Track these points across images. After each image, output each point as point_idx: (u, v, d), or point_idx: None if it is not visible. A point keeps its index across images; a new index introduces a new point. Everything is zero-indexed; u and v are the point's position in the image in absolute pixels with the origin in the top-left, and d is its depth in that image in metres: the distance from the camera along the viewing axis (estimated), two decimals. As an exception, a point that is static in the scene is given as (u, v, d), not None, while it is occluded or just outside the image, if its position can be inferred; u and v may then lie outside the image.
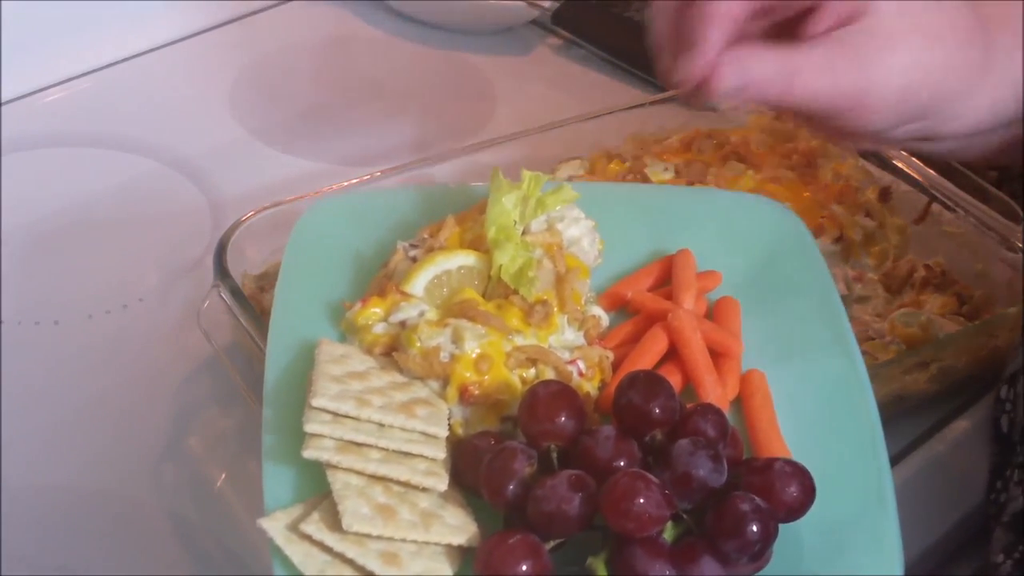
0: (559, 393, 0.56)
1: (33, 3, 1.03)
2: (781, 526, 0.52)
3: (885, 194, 0.89)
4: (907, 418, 0.75)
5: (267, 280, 0.80)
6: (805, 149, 0.92)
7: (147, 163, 1.01)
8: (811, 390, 0.61)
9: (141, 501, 0.74)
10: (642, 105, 0.90)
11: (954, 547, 0.74)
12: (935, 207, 0.87)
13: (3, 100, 1.05)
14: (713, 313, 0.66)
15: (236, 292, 0.74)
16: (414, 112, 1.11)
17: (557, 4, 1.16)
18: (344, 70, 1.16)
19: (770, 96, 0.65)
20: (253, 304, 0.75)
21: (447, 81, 1.15)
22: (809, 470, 0.54)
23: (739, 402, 0.62)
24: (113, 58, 1.12)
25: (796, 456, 0.57)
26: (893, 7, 0.65)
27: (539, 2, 1.17)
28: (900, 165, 0.90)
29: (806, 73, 0.64)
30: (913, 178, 0.89)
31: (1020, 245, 0.83)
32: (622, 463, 0.53)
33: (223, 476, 0.76)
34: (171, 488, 0.75)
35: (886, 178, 0.90)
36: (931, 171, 0.89)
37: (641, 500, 0.50)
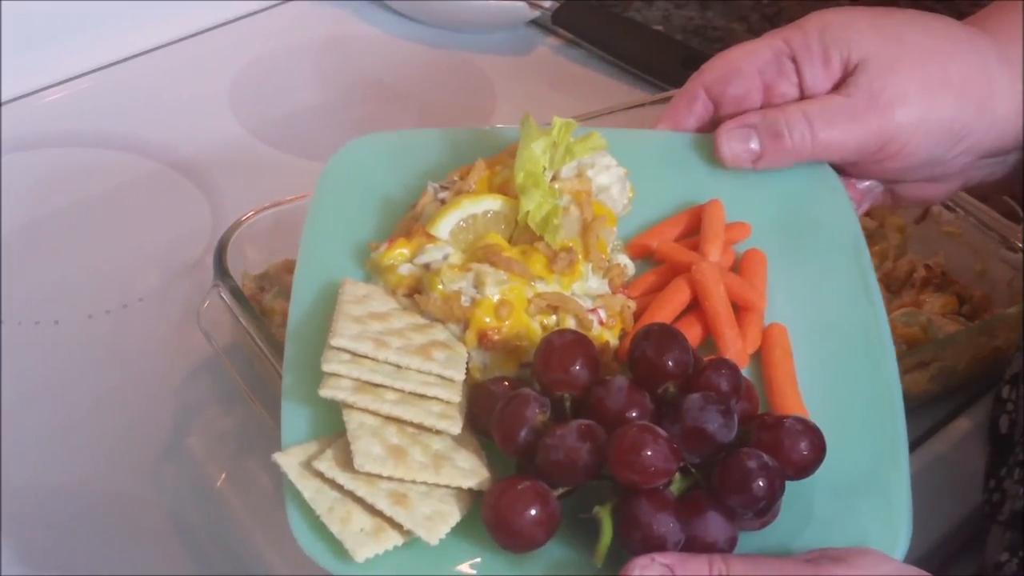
0: (574, 343, 0.55)
1: (33, 3, 1.03)
2: (791, 483, 0.52)
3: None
4: (907, 418, 0.74)
5: (267, 280, 0.80)
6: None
7: (147, 163, 1.01)
8: (833, 346, 0.61)
9: (141, 501, 0.74)
10: (642, 105, 0.89)
11: (955, 547, 0.74)
12: (935, 207, 0.87)
13: (3, 100, 1.05)
14: (739, 266, 0.65)
15: (236, 292, 0.74)
16: (414, 112, 1.11)
17: (557, 4, 1.16)
18: (344, 70, 1.16)
19: (789, 154, 0.67)
20: (253, 304, 0.75)
21: (447, 81, 1.15)
22: (822, 428, 0.53)
23: (760, 356, 0.61)
24: (113, 58, 1.12)
25: (812, 412, 0.57)
26: (879, 44, 0.67)
27: (539, 2, 1.17)
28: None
29: (823, 123, 0.66)
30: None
31: (1020, 245, 0.83)
32: (633, 414, 0.53)
33: (223, 476, 0.76)
34: (171, 488, 0.75)
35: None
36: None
37: (648, 452, 0.50)
